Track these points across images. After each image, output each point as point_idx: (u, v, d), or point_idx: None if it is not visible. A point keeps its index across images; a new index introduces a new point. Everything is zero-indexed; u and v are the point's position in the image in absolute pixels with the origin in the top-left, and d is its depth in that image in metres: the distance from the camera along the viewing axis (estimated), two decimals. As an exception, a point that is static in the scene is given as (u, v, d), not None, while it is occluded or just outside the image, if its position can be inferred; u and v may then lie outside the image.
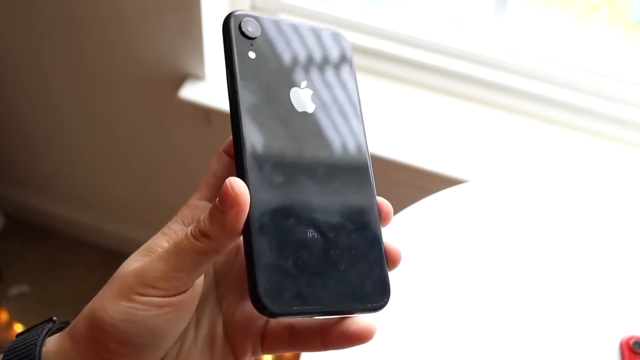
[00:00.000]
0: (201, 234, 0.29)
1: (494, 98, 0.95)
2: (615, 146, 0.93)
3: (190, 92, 0.92)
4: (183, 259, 0.29)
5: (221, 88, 0.93)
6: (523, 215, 0.65)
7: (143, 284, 0.29)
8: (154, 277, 0.29)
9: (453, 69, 0.93)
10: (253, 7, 0.96)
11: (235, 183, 0.28)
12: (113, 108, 1.09)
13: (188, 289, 0.29)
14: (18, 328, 1.26)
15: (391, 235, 0.42)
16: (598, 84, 0.91)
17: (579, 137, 0.93)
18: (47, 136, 1.23)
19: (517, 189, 0.67)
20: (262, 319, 0.32)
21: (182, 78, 0.94)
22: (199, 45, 0.88)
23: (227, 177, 0.29)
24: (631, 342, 0.55)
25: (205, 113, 0.97)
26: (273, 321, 0.33)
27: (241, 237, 0.32)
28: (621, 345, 0.55)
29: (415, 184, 0.90)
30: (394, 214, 0.62)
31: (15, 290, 1.34)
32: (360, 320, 0.30)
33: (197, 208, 0.33)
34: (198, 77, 0.93)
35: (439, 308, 0.57)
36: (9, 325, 1.27)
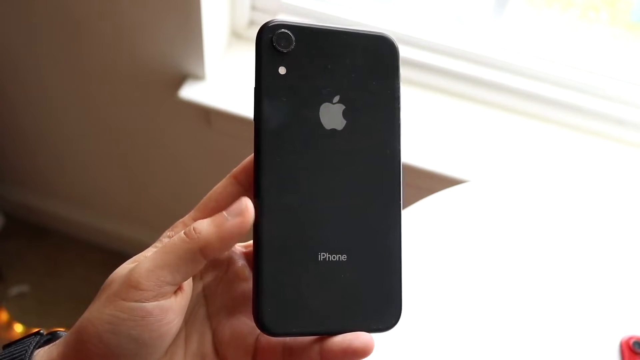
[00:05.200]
0: (194, 231, 0.29)
1: (494, 98, 0.95)
2: (615, 146, 0.93)
3: (190, 92, 0.92)
4: (168, 256, 0.29)
5: (221, 88, 0.93)
6: (523, 215, 0.65)
7: (126, 286, 0.28)
8: (137, 276, 0.28)
9: (452, 69, 0.93)
10: (253, 7, 0.96)
11: (248, 202, 0.29)
12: (113, 108, 1.09)
13: (170, 294, 0.29)
14: (18, 328, 1.26)
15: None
16: (598, 84, 0.91)
17: (579, 137, 0.93)
18: (47, 136, 1.23)
19: (517, 189, 0.67)
20: (254, 334, 0.32)
21: (182, 78, 0.94)
22: (199, 45, 0.88)
23: (229, 207, 0.30)
24: (631, 342, 0.55)
25: (205, 113, 0.97)
26: (264, 337, 0.32)
27: (235, 254, 0.33)
28: (621, 345, 0.55)
29: (415, 184, 0.90)
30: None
31: (15, 290, 1.34)
32: (362, 335, 0.30)
33: None
34: (198, 77, 0.93)
35: (439, 308, 0.57)
36: (9, 325, 1.27)
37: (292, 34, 0.31)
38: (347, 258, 0.31)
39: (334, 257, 0.31)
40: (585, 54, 0.92)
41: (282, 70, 0.31)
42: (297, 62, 0.31)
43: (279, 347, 0.32)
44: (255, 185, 0.30)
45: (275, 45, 0.30)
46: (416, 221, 0.63)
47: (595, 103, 0.92)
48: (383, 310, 0.31)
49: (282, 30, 0.31)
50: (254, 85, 0.31)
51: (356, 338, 0.30)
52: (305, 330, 0.30)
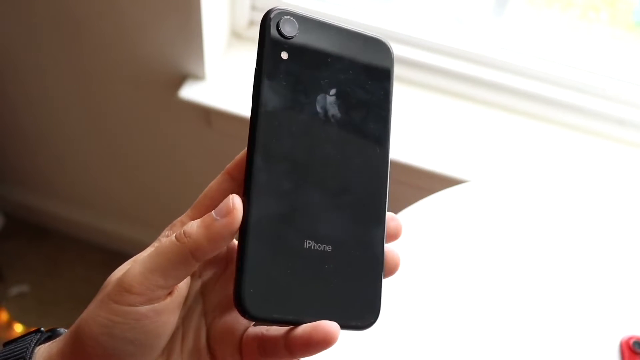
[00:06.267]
0: (184, 234, 0.29)
1: (494, 98, 0.95)
2: (615, 146, 0.93)
3: (190, 92, 0.92)
4: (159, 260, 0.29)
5: (221, 88, 0.94)
6: (523, 215, 0.65)
7: (119, 289, 0.28)
8: (130, 280, 0.28)
9: (452, 69, 0.93)
10: (253, 7, 0.96)
11: (236, 199, 0.29)
12: (113, 108, 1.09)
13: (164, 296, 0.29)
14: (18, 328, 1.27)
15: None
16: (598, 84, 0.91)
17: (579, 137, 0.93)
18: (47, 136, 1.23)
19: (517, 189, 0.67)
20: (240, 329, 0.32)
21: (182, 78, 0.94)
22: (199, 45, 0.88)
23: None
24: (631, 342, 0.55)
25: (205, 113, 0.97)
26: (247, 331, 0.32)
27: (225, 248, 0.32)
28: (621, 345, 0.55)
29: (415, 184, 0.90)
30: (394, 213, 0.62)
31: (15, 290, 1.34)
32: (323, 325, 0.29)
33: None
34: (198, 77, 0.93)
35: (439, 308, 0.57)
36: (9, 325, 1.27)
37: (297, 21, 0.31)
38: (332, 249, 0.31)
39: (319, 247, 0.30)
40: (585, 54, 0.92)
41: (284, 55, 0.31)
42: (299, 49, 0.31)
43: (255, 340, 0.31)
44: (247, 166, 0.30)
45: (280, 29, 0.31)
46: (416, 221, 0.63)
47: (595, 103, 0.92)
48: (362, 308, 0.31)
49: (287, 16, 0.31)
50: (255, 68, 0.31)
51: (315, 329, 0.29)
52: (285, 317, 0.29)
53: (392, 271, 0.32)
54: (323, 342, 0.28)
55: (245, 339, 0.32)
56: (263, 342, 0.31)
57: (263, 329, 0.31)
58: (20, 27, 0.98)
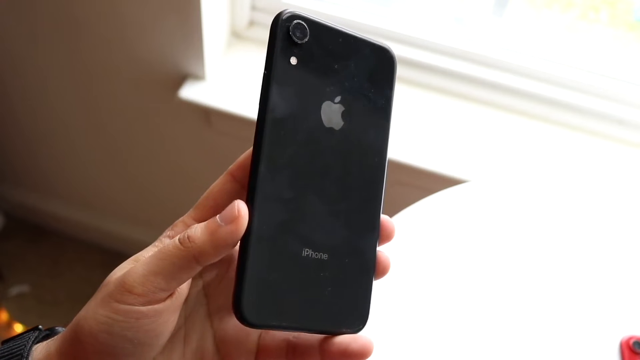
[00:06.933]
0: (188, 239, 0.29)
1: (494, 98, 0.95)
2: (615, 146, 0.93)
3: (190, 92, 0.92)
4: (162, 263, 0.29)
5: (221, 88, 0.93)
6: (523, 215, 0.65)
7: (121, 289, 0.28)
8: (132, 281, 0.28)
9: (453, 69, 0.93)
10: (253, 7, 0.96)
11: (241, 206, 0.29)
12: (113, 108, 1.09)
13: (166, 297, 0.29)
14: (18, 328, 1.27)
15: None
16: (598, 84, 0.91)
17: (579, 137, 0.94)
18: (47, 136, 1.23)
19: (517, 189, 0.67)
20: (255, 334, 0.33)
21: (182, 78, 0.94)
22: (199, 45, 0.88)
23: (227, 205, 0.29)
24: (631, 342, 0.55)
25: (205, 113, 0.97)
26: (268, 336, 0.33)
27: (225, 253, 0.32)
28: (621, 345, 0.55)
29: (415, 184, 0.90)
30: (394, 214, 0.62)
31: (15, 290, 1.34)
32: (360, 338, 0.31)
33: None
34: (198, 77, 0.93)
35: (439, 308, 0.57)
36: (9, 325, 1.27)
37: (308, 26, 0.31)
38: (327, 257, 0.31)
39: (316, 255, 0.31)
40: (585, 54, 0.92)
41: (293, 61, 0.31)
42: (308, 55, 0.31)
43: (282, 346, 0.32)
44: (252, 172, 0.30)
45: (291, 34, 0.31)
46: (416, 221, 0.63)
47: (595, 103, 0.92)
48: (352, 314, 0.32)
49: (299, 21, 0.31)
50: (263, 72, 0.30)
51: (354, 340, 0.30)
52: (280, 324, 0.30)
53: (382, 273, 0.33)
54: (360, 354, 0.30)
55: (266, 342, 0.32)
56: (294, 347, 0.31)
57: (290, 335, 0.32)
58: (20, 28, 0.98)
